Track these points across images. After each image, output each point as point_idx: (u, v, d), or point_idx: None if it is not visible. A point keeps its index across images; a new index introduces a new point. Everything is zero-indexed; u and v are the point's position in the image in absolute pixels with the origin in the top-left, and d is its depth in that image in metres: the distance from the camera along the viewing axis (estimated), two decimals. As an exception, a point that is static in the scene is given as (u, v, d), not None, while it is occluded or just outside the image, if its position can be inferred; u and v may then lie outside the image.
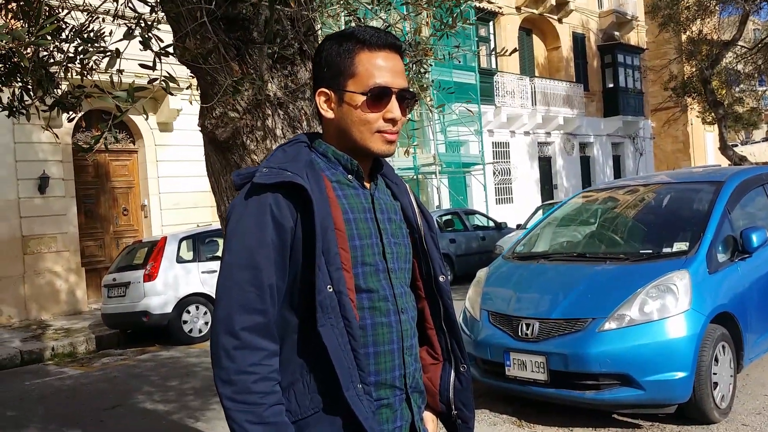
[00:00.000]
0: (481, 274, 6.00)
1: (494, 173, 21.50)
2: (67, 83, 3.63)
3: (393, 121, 1.55)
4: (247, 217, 1.47)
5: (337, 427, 1.47)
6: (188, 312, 9.77)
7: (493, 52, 4.97)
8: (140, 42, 2.83)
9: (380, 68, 1.54)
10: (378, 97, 1.53)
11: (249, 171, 1.52)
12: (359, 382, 1.46)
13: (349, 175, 1.59)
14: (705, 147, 32.02)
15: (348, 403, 1.43)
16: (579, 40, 26.24)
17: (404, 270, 1.64)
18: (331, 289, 1.45)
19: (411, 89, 1.62)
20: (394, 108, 1.54)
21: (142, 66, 2.71)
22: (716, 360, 4.63)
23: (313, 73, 1.63)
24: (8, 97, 3.52)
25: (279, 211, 1.45)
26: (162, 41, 2.97)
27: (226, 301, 1.45)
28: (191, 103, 3.28)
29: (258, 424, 1.39)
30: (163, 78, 2.66)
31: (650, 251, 5.29)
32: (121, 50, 2.89)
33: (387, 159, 1.68)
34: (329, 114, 1.58)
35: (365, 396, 1.47)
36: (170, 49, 2.94)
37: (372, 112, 1.53)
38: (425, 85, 4.45)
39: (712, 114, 20.47)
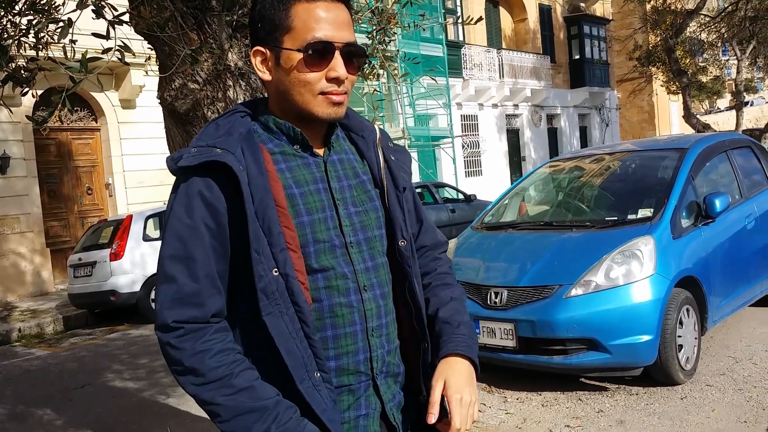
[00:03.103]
0: (450, 244, 6.02)
1: (463, 146, 21.54)
2: (22, 59, 3.53)
3: (337, 81, 1.37)
4: (177, 205, 1.35)
5: None
6: (157, 290, 9.67)
7: (459, 20, 4.93)
8: (93, 11, 2.74)
9: (319, 20, 1.35)
10: (318, 53, 1.35)
11: (179, 154, 1.36)
12: (316, 370, 1.34)
13: (295, 145, 1.43)
14: (670, 117, 32.42)
15: (302, 395, 1.32)
16: (545, 12, 26.27)
17: (377, 238, 1.48)
18: (277, 273, 1.32)
19: (360, 44, 1.43)
20: (337, 65, 1.36)
21: (96, 35, 2.63)
22: (681, 323, 4.71)
23: (249, 30, 1.46)
24: (-42, 73, 3.40)
25: (210, 193, 1.33)
26: (116, 10, 2.88)
27: (162, 296, 1.33)
28: (146, 73, 3.20)
29: (234, 394, 1.29)
30: (117, 48, 2.59)
31: (615, 218, 5.35)
32: (74, 21, 2.80)
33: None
34: (266, 76, 1.42)
35: (324, 384, 1.34)
36: (125, 18, 2.85)
37: (312, 72, 1.36)
38: (390, 55, 4.41)
39: (677, 83, 20.71)
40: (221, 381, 1.29)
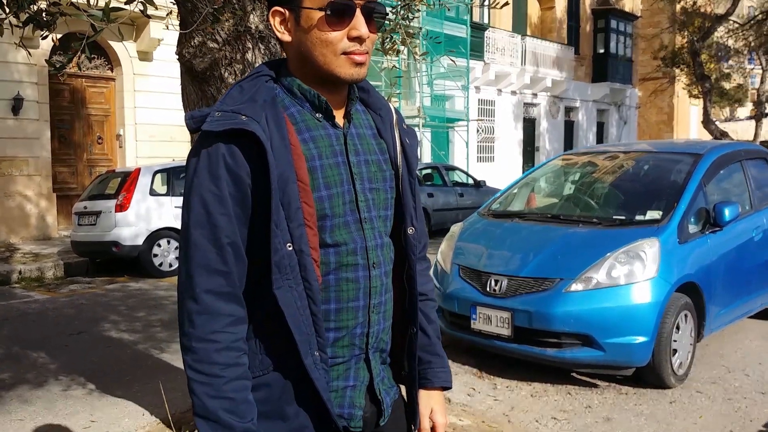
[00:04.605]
0: (455, 228, 6.02)
1: (477, 131, 21.43)
2: (44, 1, 3.51)
3: (359, 40, 1.36)
4: (201, 170, 1.32)
5: (287, 392, 1.38)
6: (159, 246, 9.72)
7: (485, 3, 4.86)
8: (119, -41, 2.72)
9: None
10: (339, 12, 1.34)
11: (202, 114, 1.35)
12: (316, 349, 1.36)
13: (317, 114, 1.42)
14: (689, 121, 32.19)
15: (306, 371, 1.34)
16: (573, 2, 26.00)
17: (383, 218, 1.48)
18: (291, 248, 1.32)
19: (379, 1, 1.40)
20: (359, 24, 1.35)
21: (120, -16, 2.61)
22: (678, 328, 4.71)
23: None
24: (-21, 9, 3.38)
25: (234, 161, 1.30)
26: (142, -39, 2.85)
27: (186, 263, 1.33)
28: (167, 27, 3.17)
29: (216, 398, 1.29)
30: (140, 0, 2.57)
31: (623, 217, 5.32)
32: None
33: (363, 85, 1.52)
34: (286, 37, 1.40)
35: (321, 364, 1.37)
36: (150, -31, 2.82)
37: (333, 31, 1.34)
38: (413, 32, 4.36)
39: (699, 87, 20.52)
40: (211, 378, 1.30)
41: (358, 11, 1.35)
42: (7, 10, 3.39)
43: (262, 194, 1.31)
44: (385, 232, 1.49)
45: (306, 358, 1.34)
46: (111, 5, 2.40)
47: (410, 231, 1.53)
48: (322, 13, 1.33)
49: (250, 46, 3.20)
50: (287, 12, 1.38)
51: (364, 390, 1.47)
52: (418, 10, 4.39)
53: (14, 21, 3.43)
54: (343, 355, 1.43)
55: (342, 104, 1.46)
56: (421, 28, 5.16)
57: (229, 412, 1.29)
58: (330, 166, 1.39)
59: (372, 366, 1.48)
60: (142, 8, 2.56)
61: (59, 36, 3.64)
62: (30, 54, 3.94)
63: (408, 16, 4.16)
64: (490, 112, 22.23)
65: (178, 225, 9.76)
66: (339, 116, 1.45)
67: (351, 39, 1.35)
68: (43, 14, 3.39)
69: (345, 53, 1.36)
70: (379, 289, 1.45)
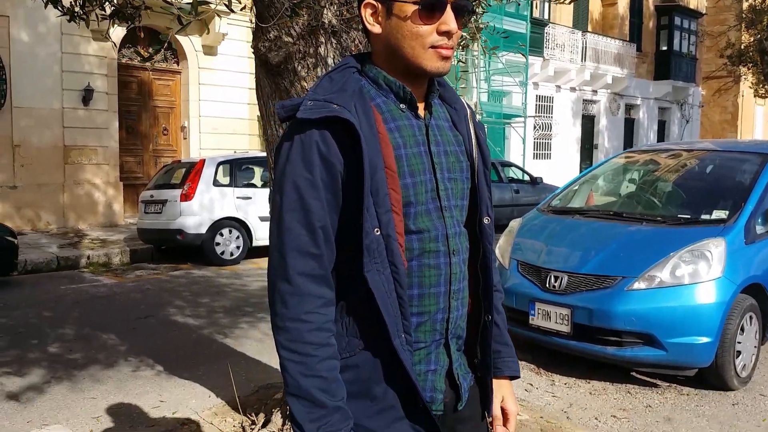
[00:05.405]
0: (514, 224, 6.02)
1: (535, 127, 21.21)
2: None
3: (448, 34, 1.40)
4: (295, 156, 1.37)
5: (376, 372, 1.42)
6: (221, 235, 9.96)
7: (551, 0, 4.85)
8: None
9: None
10: (431, 7, 1.38)
11: (294, 103, 1.40)
12: (402, 331, 1.40)
13: (402, 104, 1.47)
14: (754, 120, 31.17)
15: (396, 351, 1.38)
16: (637, -2, 25.43)
17: (459, 207, 1.53)
18: (378, 233, 1.36)
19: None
20: (449, 19, 1.39)
21: (206, -19, 2.72)
22: (742, 329, 4.64)
23: None
24: (70, 2, 3.56)
25: (327, 148, 1.35)
26: (225, -42, 2.97)
27: (279, 246, 1.38)
28: (251, 21, 3.28)
29: (309, 377, 1.34)
30: (225, -6, 2.67)
31: (688, 216, 5.25)
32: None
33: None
34: (376, 28, 1.44)
35: (407, 347, 1.41)
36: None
37: (425, 24, 1.39)
38: (482, 27, 4.39)
39: (766, 87, 19.87)
40: (304, 357, 1.35)
41: (449, 7, 1.40)
42: (94, 2, 3.56)
43: (354, 181, 1.36)
44: (461, 221, 1.54)
45: (395, 339, 1.38)
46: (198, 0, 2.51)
47: (486, 221, 1.58)
48: (415, 7, 1.38)
49: (323, 40, 3.29)
50: (379, 5, 1.43)
51: (444, 374, 1.51)
52: (489, 5, 4.42)
53: (99, 12, 3.60)
54: (425, 340, 1.47)
55: (423, 97, 1.51)
56: (487, 24, 5.18)
57: (322, 390, 1.34)
58: (414, 155, 1.44)
59: (451, 351, 1.52)
60: (227, 3, 2.66)
61: (138, 25, 3.80)
62: (115, 44, 4.11)
63: (477, 11, 4.19)
64: (548, 108, 21.96)
65: (239, 215, 10.02)
66: (420, 108, 1.50)
67: (440, 33, 1.40)
68: (128, 7, 3.54)
69: (433, 47, 1.40)
70: (458, 275, 1.50)
